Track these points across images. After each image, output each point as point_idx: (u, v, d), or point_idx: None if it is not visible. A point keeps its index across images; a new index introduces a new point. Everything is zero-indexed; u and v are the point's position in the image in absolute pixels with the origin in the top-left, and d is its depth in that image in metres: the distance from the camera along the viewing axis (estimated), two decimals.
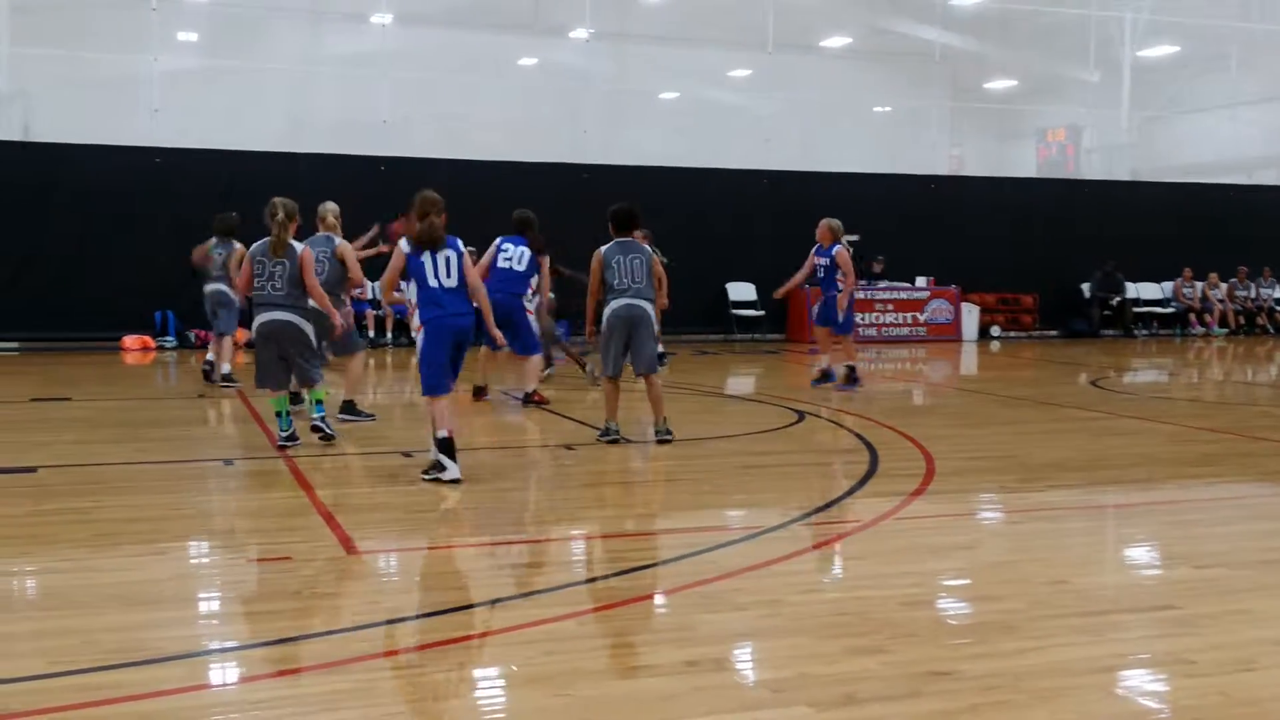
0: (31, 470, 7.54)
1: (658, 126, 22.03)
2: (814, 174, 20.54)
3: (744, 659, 4.28)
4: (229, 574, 5.46)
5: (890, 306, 20.53)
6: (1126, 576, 5.67)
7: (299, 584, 5.16)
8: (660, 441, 8.77)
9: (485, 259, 10.72)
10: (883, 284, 20.56)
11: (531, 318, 11.00)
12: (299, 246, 8.29)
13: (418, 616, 4.74)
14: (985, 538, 6.42)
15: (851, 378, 12.46)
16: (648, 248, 9.11)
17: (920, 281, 20.71)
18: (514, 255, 10.85)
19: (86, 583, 5.21)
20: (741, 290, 20.35)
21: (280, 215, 8.13)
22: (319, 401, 8.54)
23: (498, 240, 10.96)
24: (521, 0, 22.97)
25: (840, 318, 12.24)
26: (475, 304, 7.50)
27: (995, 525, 6.80)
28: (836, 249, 12.21)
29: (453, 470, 7.14)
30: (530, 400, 10.95)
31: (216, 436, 9.55)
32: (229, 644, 4.40)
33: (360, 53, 20.20)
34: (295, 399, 9.09)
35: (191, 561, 5.73)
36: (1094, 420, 10.63)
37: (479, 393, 11.26)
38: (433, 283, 7.29)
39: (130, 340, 16.55)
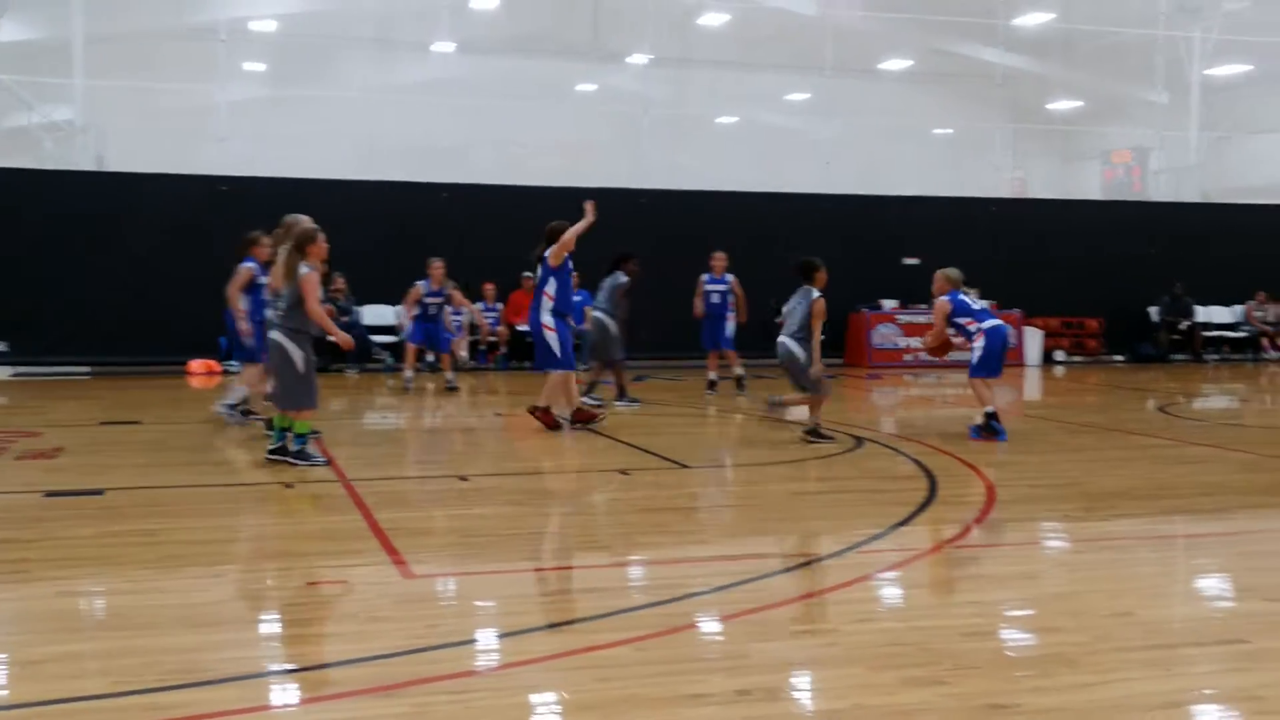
0: (99, 493, 7.68)
1: (716, 151, 22.08)
2: (874, 197, 20.44)
3: (798, 688, 4.23)
4: (287, 597, 5.51)
5: (952, 331, 20.29)
6: (1194, 609, 5.53)
7: (355, 607, 5.20)
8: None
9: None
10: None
11: (550, 334, 10.56)
12: (304, 270, 8.47)
13: (472, 641, 4.74)
14: (1047, 568, 6.30)
15: None
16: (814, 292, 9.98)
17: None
18: (536, 273, 10.83)
19: (151, 603, 5.29)
20: None
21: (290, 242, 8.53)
22: (284, 429, 8.66)
23: None
24: (581, 27, 23.17)
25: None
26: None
27: (1058, 555, 6.68)
28: (731, 278, 13.99)
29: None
30: (539, 415, 10.62)
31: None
32: (286, 666, 4.44)
33: (423, 81, 20.52)
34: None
35: (251, 584, 5.79)
36: (1161, 448, 10.42)
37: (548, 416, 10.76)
38: None
39: (195, 364, 16.85)
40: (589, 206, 10.59)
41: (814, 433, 10.24)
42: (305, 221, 9.05)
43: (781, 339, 10.36)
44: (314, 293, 8.40)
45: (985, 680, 4.16)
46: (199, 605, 5.30)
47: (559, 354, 10.58)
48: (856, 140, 22.17)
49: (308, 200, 17.37)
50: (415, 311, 14.69)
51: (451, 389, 14.61)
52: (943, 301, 10.93)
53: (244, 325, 10.73)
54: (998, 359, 10.83)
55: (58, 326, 16.87)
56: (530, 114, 20.84)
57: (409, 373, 14.71)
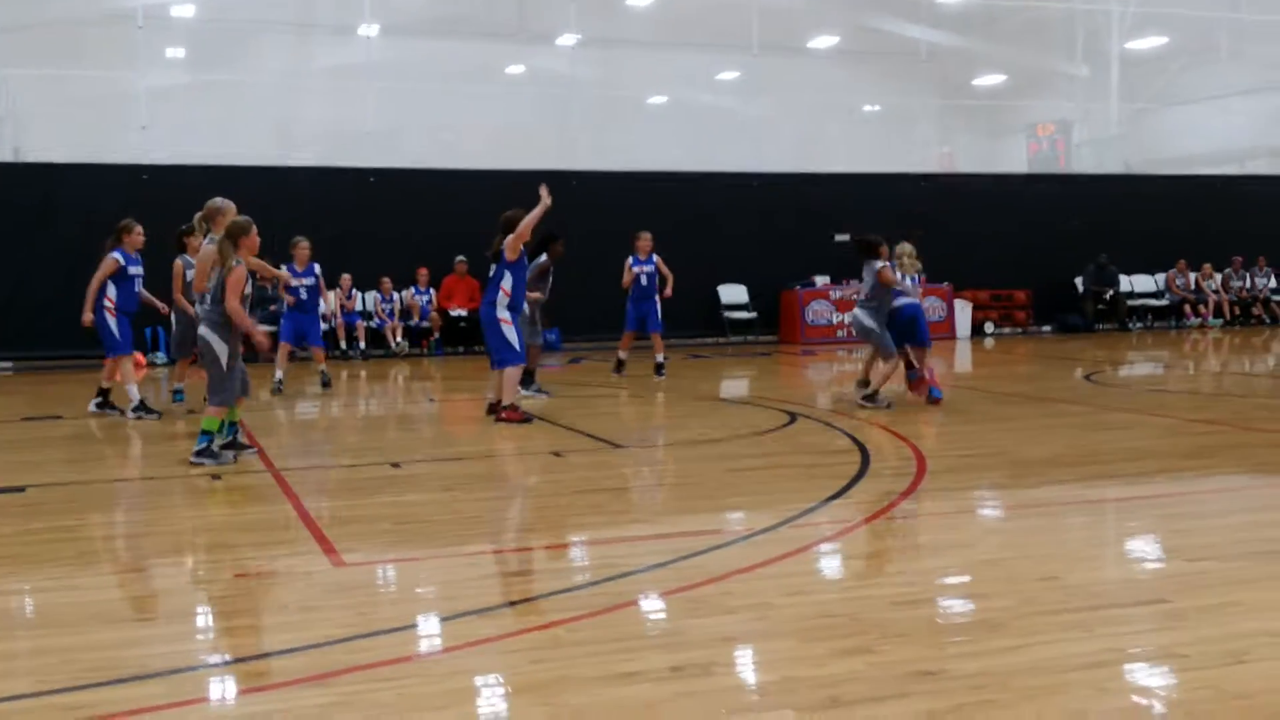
0: (20, 490, 7.51)
1: (646, 132, 22.03)
2: (804, 175, 20.56)
3: (730, 663, 4.24)
4: (214, 589, 5.42)
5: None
6: (1118, 571, 5.63)
7: (285, 597, 5.13)
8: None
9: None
10: None
11: (507, 327, 10.24)
12: (235, 264, 8.18)
13: (405, 628, 4.70)
14: (977, 535, 6.39)
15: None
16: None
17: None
18: (493, 262, 10.41)
19: (72, 600, 5.18)
20: (734, 293, 20.35)
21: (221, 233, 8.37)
22: (232, 424, 8.53)
23: None
24: (507, 8, 22.97)
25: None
26: None
27: (987, 523, 6.77)
28: (657, 259, 13.97)
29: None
30: (499, 418, 10.23)
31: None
32: (213, 659, 4.37)
33: (347, 64, 20.21)
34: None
35: (177, 578, 5.69)
36: (1087, 415, 10.60)
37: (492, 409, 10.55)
38: None
39: (137, 357, 16.53)
40: (544, 190, 10.30)
41: (871, 397, 10.89)
42: (232, 210, 8.86)
43: (854, 312, 11.50)
44: (237, 290, 8.14)
45: (913, 648, 4.21)
46: (122, 601, 5.22)
47: (517, 347, 10.30)
48: (786, 118, 22.25)
49: (232, 187, 17.07)
50: (290, 300, 13.25)
51: (326, 385, 13.31)
52: (885, 268, 11.18)
53: (89, 316, 10.69)
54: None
55: None
56: (458, 97, 20.63)
57: (279, 373, 13.02)
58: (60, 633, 4.62)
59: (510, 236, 10.20)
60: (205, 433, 8.24)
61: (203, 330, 8.29)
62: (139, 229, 11.03)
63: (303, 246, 13.29)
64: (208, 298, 8.36)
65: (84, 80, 19.15)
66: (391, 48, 20.33)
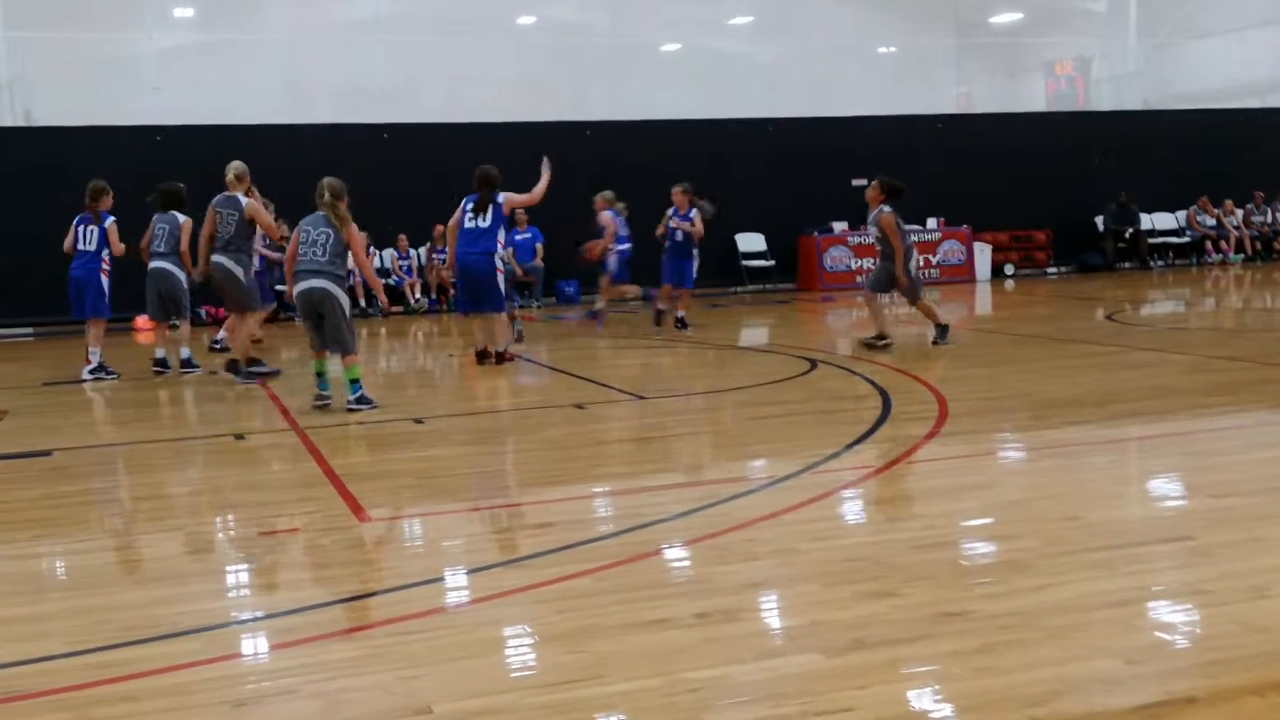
0: (46, 454, 7.58)
1: (660, 79, 21.82)
2: (821, 119, 20.36)
3: (756, 609, 4.27)
4: (241, 548, 5.48)
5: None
6: (1142, 509, 5.63)
7: (311, 554, 5.18)
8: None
9: (454, 219, 10.81)
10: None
11: (501, 276, 10.78)
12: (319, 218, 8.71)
13: (431, 581, 4.75)
14: (999, 477, 6.39)
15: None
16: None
17: (931, 223, 20.54)
18: (478, 213, 10.68)
19: (101, 562, 5.26)
20: (751, 241, 20.25)
21: (326, 196, 8.63)
22: (354, 381, 8.69)
23: (463, 199, 10.81)
24: None
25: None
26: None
27: (1009, 464, 6.77)
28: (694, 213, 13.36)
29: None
30: (501, 359, 10.86)
31: (228, 413, 9.54)
32: (244, 616, 4.42)
33: (357, 19, 20.04)
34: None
35: (204, 537, 5.75)
36: (1109, 355, 10.55)
37: (482, 357, 10.99)
38: None
39: (142, 320, 16.56)
40: (546, 163, 10.85)
41: (944, 333, 11.08)
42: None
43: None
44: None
45: (937, 589, 4.22)
46: (151, 561, 5.28)
47: (504, 293, 10.92)
48: (800, 62, 21.98)
49: (245, 146, 17.08)
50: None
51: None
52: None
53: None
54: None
55: None
56: (469, 49, 20.45)
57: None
58: (92, 593, 4.69)
59: (517, 197, 10.79)
60: (354, 381, 8.64)
61: (326, 284, 8.55)
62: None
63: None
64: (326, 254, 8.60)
65: (93, 42, 19.06)
66: (401, 2, 20.17)
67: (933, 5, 23.82)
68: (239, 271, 10.32)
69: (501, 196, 10.67)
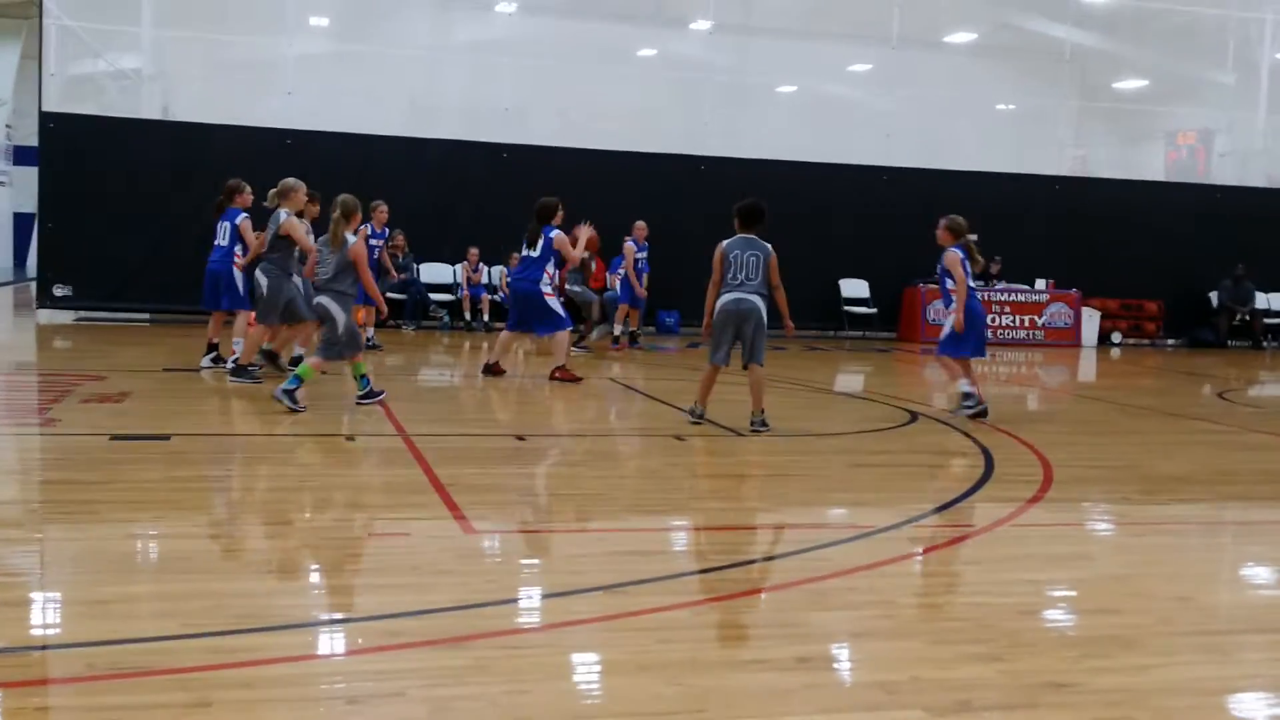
0: (166, 438, 7.84)
1: (776, 120, 21.88)
2: (934, 171, 20.24)
3: (856, 658, 4.26)
4: (350, 548, 5.61)
5: (1007, 309, 20.15)
6: (1254, 596, 5.50)
7: (416, 560, 5.29)
8: (754, 431, 8.93)
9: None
10: (1000, 285, 20.18)
11: (551, 300, 11.55)
12: (351, 239, 9.25)
13: (532, 598, 4.82)
14: (1105, 549, 6.28)
15: None
16: (768, 245, 9.36)
17: (1039, 284, 20.26)
18: (530, 244, 11.67)
19: (216, 548, 5.43)
20: (855, 287, 20.17)
21: (337, 212, 9.17)
22: (362, 376, 9.43)
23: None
24: None
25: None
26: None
27: (1116, 537, 6.65)
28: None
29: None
30: (554, 377, 11.55)
31: (338, 411, 9.77)
32: (354, 615, 4.53)
33: (485, 40, 20.46)
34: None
35: (313, 533, 5.90)
36: (1220, 434, 10.30)
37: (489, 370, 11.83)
38: None
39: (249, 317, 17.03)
40: (585, 227, 12.13)
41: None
42: (301, 189, 10.51)
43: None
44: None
45: (1043, 658, 4.17)
46: (263, 552, 5.43)
47: (562, 314, 11.74)
48: (918, 113, 21.88)
49: (370, 156, 17.57)
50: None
51: (370, 348, 13.15)
52: (953, 253, 9.88)
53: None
54: (979, 334, 10.02)
55: (120, 273, 17.15)
56: (591, 78, 20.73)
57: (370, 331, 13.72)
58: (209, 578, 4.84)
59: (562, 239, 11.67)
60: (299, 378, 9.15)
61: (326, 300, 9.24)
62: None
63: (382, 210, 14.40)
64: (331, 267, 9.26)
65: (232, 45, 19.72)
66: (528, 25, 20.55)
67: (1057, 66, 23.55)
68: (263, 282, 10.60)
69: (554, 232, 11.56)
